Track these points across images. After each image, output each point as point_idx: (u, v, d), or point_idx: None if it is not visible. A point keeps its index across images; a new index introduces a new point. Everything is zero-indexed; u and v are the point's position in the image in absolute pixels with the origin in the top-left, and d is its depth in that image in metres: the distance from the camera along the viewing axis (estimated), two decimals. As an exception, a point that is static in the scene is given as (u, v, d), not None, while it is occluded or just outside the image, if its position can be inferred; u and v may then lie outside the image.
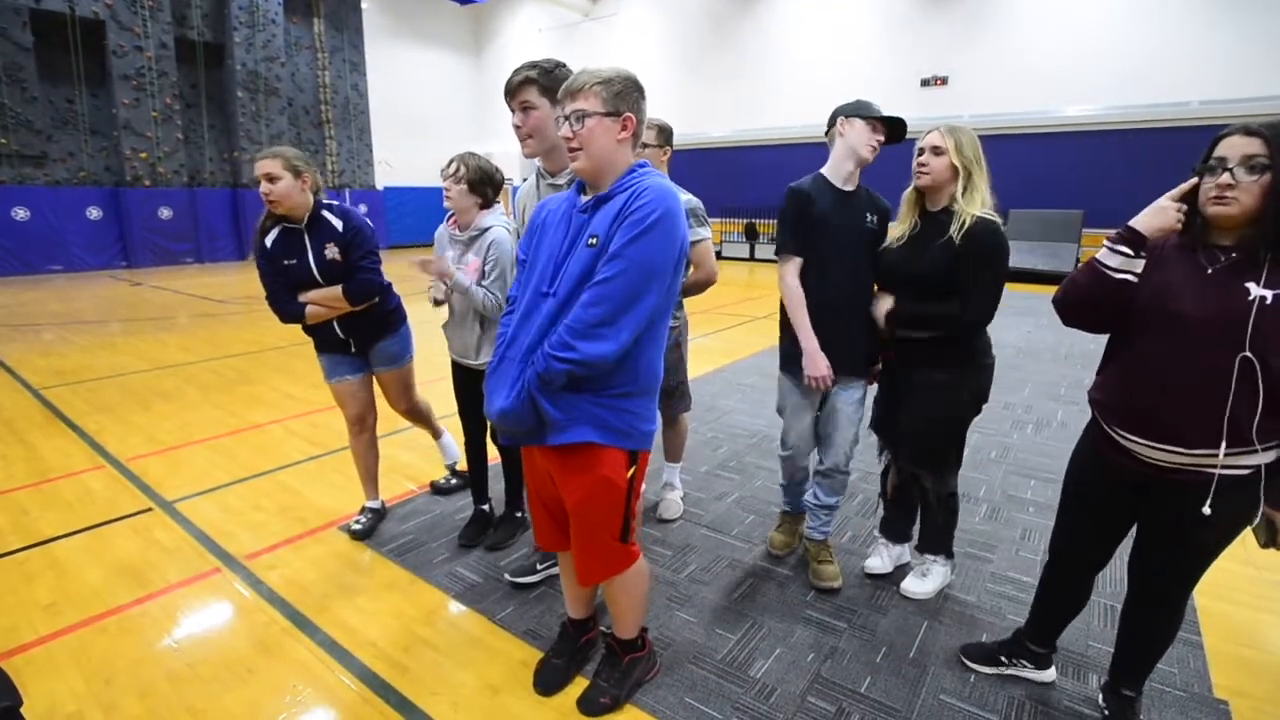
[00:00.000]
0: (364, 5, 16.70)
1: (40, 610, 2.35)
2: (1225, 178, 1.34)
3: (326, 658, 2.10)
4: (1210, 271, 1.40)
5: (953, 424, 2.26)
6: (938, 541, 2.44)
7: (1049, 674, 1.97)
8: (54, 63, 11.99)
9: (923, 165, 2.10)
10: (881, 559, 2.57)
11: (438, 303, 2.65)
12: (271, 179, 2.42)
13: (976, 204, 2.04)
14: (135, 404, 4.70)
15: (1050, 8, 12.11)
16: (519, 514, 2.86)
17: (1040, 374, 5.58)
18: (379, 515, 2.99)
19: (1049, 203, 12.18)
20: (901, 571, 2.55)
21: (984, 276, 2.04)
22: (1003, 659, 1.99)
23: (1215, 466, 1.41)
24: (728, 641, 2.18)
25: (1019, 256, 12.06)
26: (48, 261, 12.07)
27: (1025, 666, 1.97)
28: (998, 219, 2.04)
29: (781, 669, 2.05)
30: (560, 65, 1.88)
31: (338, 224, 2.58)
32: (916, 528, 2.54)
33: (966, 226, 2.01)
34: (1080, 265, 1.57)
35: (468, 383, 2.71)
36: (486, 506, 2.89)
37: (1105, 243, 1.49)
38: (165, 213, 13.13)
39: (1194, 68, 11.01)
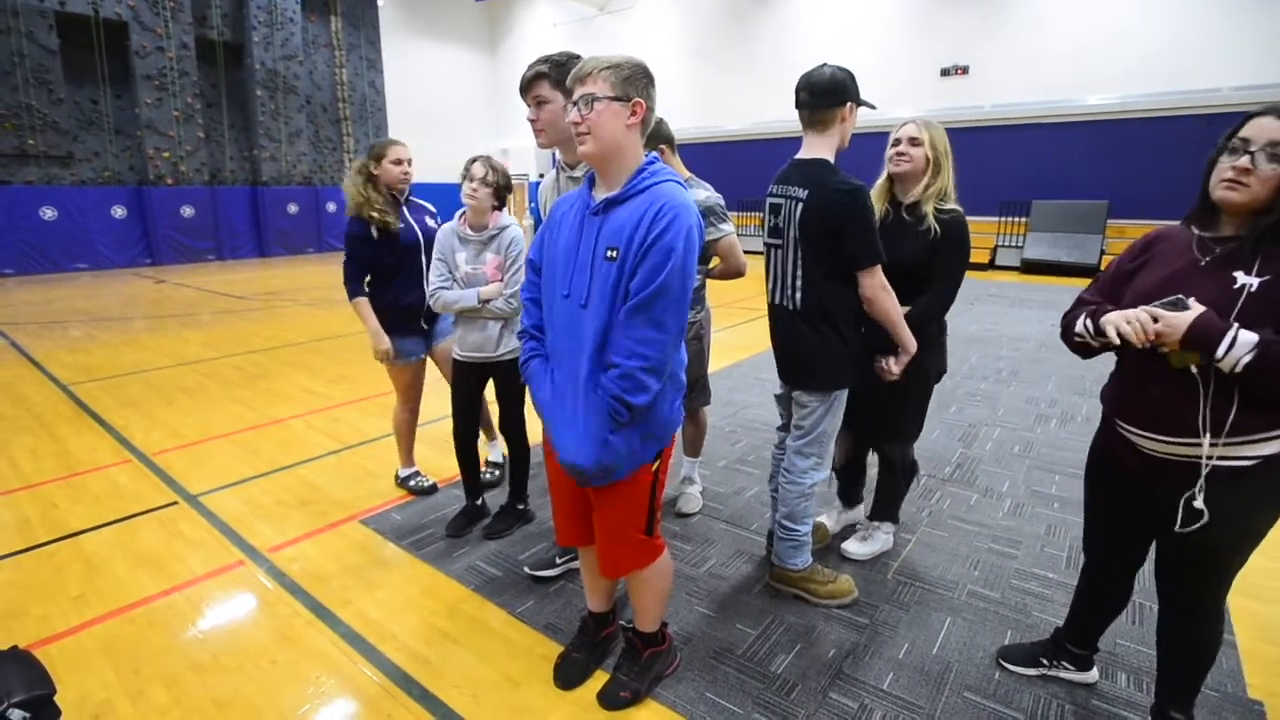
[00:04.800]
0: (380, 2, 16.78)
1: (70, 601, 2.40)
2: (1244, 161, 1.28)
3: (349, 649, 2.12)
4: (1203, 264, 1.38)
5: (919, 399, 2.43)
6: (889, 509, 2.64)
7: (1091, 675, 1.93)
8: (79, 64, 12.20)
9: (902, 154, 2.24)
10: (830, 520, 2.83)
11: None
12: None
13: (942, 195, 2.23)
14: (160, 399, 4.77)
15: (1073, -7, 11.87)
16: (520, 506, 2.90)
17: (1064, 368, 5.47)
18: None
19: (1072, 193, 11.94)
20: (847, 533, 2.78)
21: (953, 263, 2.24)
22: (1043, 660, 1.95)
23: (1201, 457, 1.36)
24: (748, 636, 2.17)
25: (1042, 248, 11.87)
26: (74, 260, 12.31)
27: (1066, 669, 1.93)
28: (962, 210, 2.25)
29: (803, 665, 2.03)
30: (573, 57, 1.88)
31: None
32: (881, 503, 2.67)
33: (945, 219, 2.19)
34: (1070, 321, 1.58)
35: (470, 378, 2.75)
36: (479, 501, 2.93)
37: (1077, 326, 1.53)
38: (187, 211, 13.33)
39: (1224, 52, 10.69)
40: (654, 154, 1.61)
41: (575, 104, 1.55)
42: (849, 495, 2.87)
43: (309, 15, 15.15)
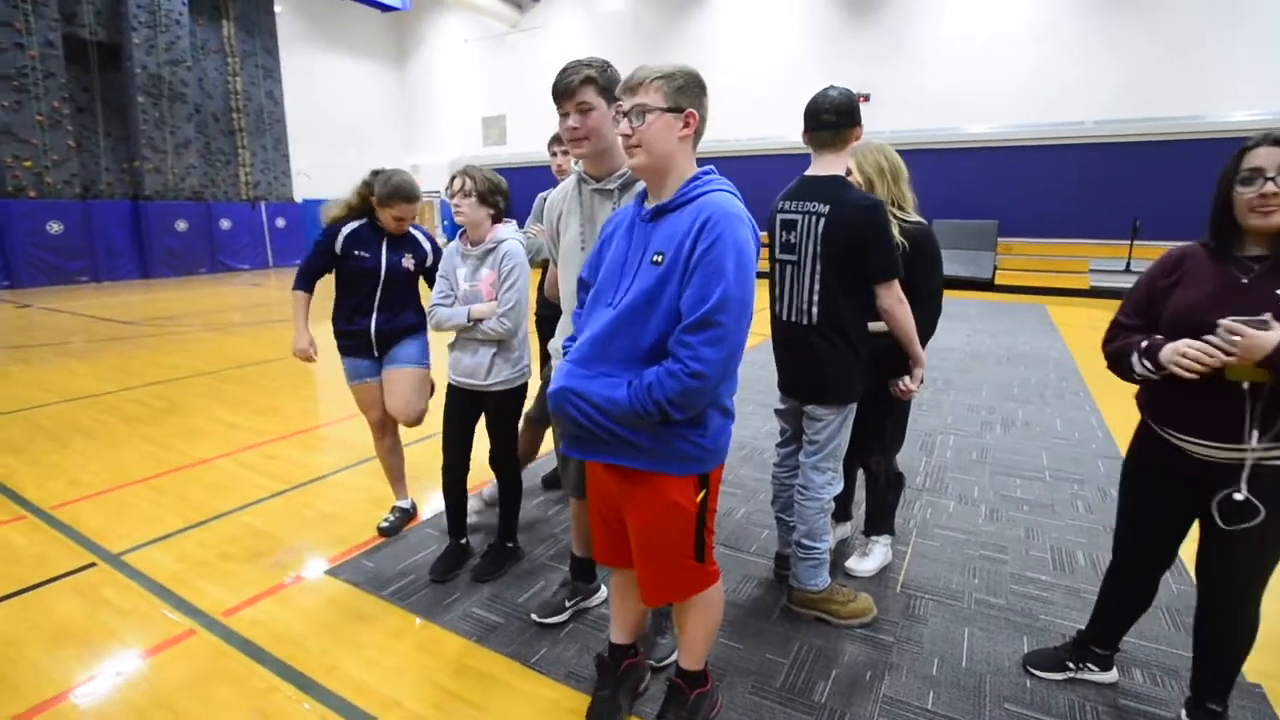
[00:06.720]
0: (277, 9, 15.81)
1: (-26, 698, 1.97)
2: (1270, 187, 1.40)
3: (347, 724, 1.85)
4: (1245, 281, 1.48)
5: (900, 410, 2.55)
6: (882, 521, 2.69)
7: (1111, 674, 1.99)
8: (-85, 60, 10.65)
9: None
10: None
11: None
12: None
13: (897, 207, 2.32)
14: (49, 442, 4.13)
15: (952, 30, 13.02)
16: (510, 544, 2.70)
17: (992, 375, 5.84)
18: (407, 514, 3.07)
19: (967, 214, 12.94)
20: (844, 548, 2.82)
21: (931, 276, 2.34)
22: (1069, 664, 1.99)
23: (1248, 458, 1.46)
24: (781, 665, 2.09)
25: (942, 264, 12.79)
26: (-91, 283, 10.64)
27: (1091, 670, 1.98)
28: (926, 222, 2.33)
29: (844, 692, 1.97)
30: (609, 64, 1.78)
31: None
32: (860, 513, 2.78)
33: (910, 230, 2.29)
34: (1120, 353, 1.63)
35: (464, 407, 2.58)
36: (464, 540, 2.73)
37: (1136, 367, 1.57)
38: (55, 227, 11.85)
39: (1084, 90, 12.04)
40: (710, 165, 1.53)
41: (626, 115, 1.47)
42: (838, 510, 2.87)
43: (197, 18, 14.00)
